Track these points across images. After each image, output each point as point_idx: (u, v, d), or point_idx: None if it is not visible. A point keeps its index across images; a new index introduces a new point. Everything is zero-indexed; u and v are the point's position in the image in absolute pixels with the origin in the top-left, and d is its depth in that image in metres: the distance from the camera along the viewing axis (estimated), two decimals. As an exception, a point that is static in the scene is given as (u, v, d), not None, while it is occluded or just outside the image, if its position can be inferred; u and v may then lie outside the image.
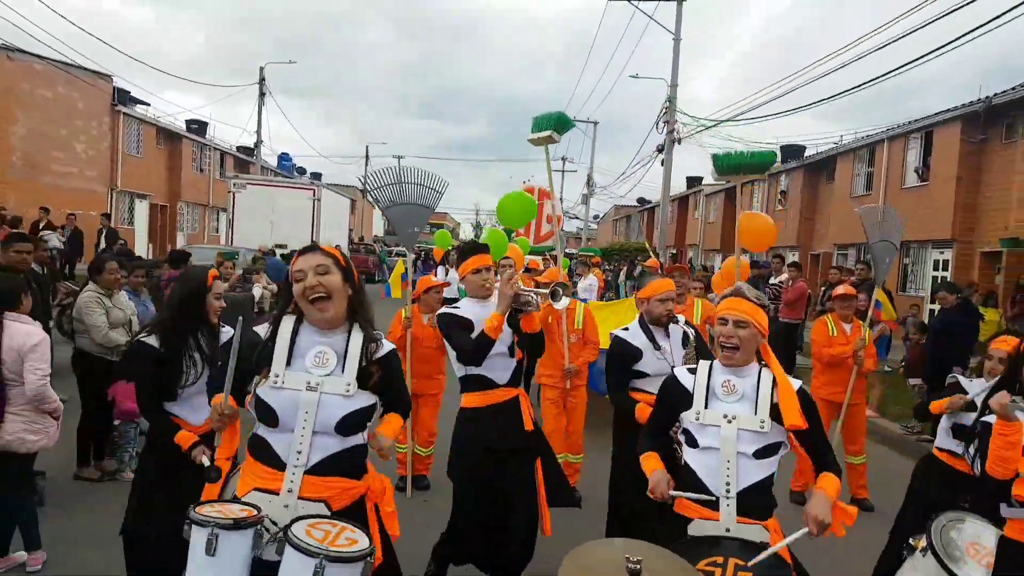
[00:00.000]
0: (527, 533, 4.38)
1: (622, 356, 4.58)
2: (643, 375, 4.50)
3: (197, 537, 2.38)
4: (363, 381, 2.71)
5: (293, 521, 2.47)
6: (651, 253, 16.91)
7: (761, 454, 2.86)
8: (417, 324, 6.28)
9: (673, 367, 4.30)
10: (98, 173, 29.26)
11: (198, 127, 39.21)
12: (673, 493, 2.88)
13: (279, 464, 2.63)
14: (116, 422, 6.44)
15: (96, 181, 29.08)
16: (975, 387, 4.39)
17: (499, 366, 4.32)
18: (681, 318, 4.75)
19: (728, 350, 2.95)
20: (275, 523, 2.51)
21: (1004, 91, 18.06)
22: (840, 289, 7.08)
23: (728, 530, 2.79)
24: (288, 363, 2.68)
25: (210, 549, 2.33)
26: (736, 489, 2.81)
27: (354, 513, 2.70)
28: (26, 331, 4.50)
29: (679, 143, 26.45)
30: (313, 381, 2.64)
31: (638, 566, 2.22)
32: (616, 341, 4.61)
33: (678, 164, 26.70)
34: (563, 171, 45.42)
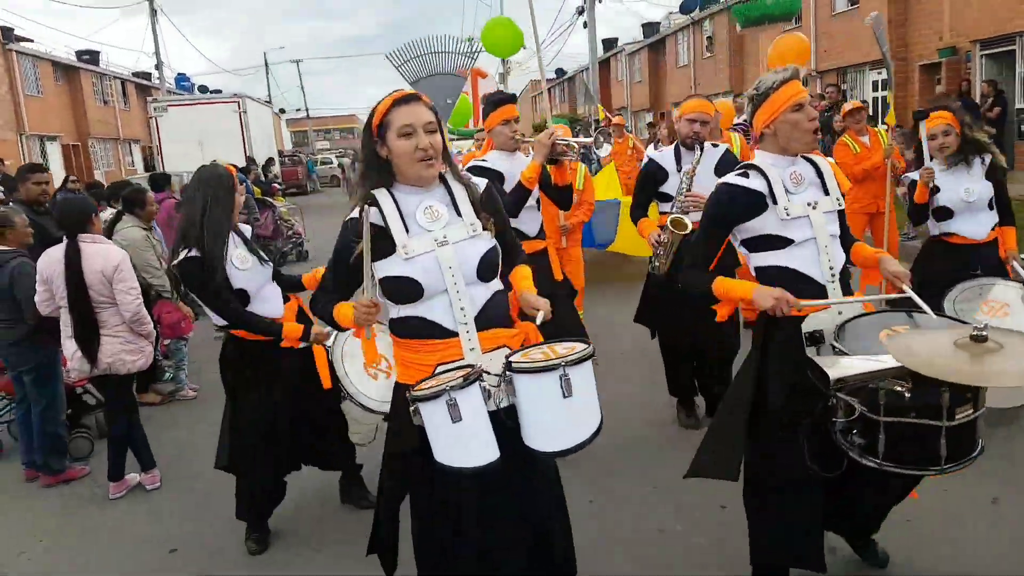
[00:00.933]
0: None
1: (647, 175, 4.69)
2: (669, 198, 4.54)
3: (435, 412, 2.27)
4: (481, 219, 2.57)
5: (508, 360, 2.35)
6: (605, 114, 16.67)
7: (838, 233, 2.88)
8: None
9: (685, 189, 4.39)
10: (3, 120, 27.41)
11: (90, 57, 36.77)
12: (804, 303, 2.68)
13: (445, 332, 2.48)
14: (166, 341, 6.38)
15: (3, 128, 27.26)
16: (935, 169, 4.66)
17: (528, 218, 4.36)
18: (724, 146, 4.66)
19: (813, 133, 2.82)
20: (488, 372, 2.39)
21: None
22: (848, 106, 7.37)
23: (840, 312, 2.75)
24: (406, 231, 2.49)
25: (455, 415, 2.23)
26: (837, 271, 2.80)
27: None
28: (104, 252, 4.41)
29: (600, 0, 25.81)
30: (438, 236, 2.48)
31: (984, 332, 2.19)
32: (648, 160, 4.74)
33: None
34: (472, 52, 44.23)
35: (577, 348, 2.33)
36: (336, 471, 4.28)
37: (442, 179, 2.57)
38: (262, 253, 3.85)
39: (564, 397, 2.21)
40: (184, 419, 6.02)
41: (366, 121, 2.52)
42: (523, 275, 2.73)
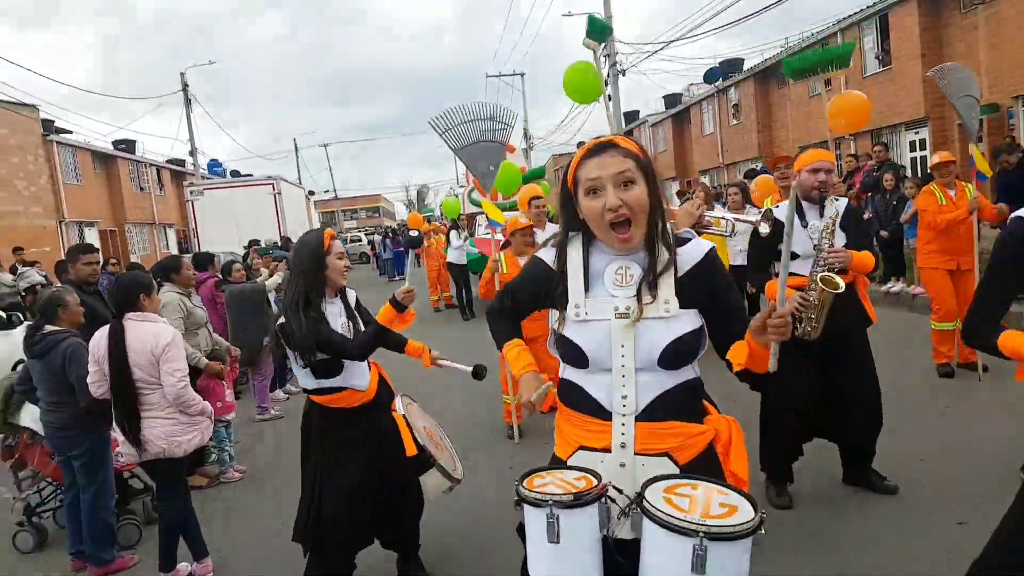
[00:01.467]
0: None
1: (765, 233, 4.34)
2: (792, 256, 4.23)
3: (534, 520, 1.94)
4: (683, 297, 2.10)
5: (645, 486, 1.93)
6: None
7: None
8: (513, 267, 6.00)
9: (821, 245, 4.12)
10: (43, 208, 28.14)
11: (126, 146, 37.89)
12: None
13: (602, 412, 2.11)
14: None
15: (43, 216, 27.95)
16: None
17: None
18: (845, 199, 4.40)
19: None
20: (619, 489, 2.00)
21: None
22: (936, 158, 7.17)
23: None
24: (587, 289, 2.14)
25: (552, 535, 1.87)
26: None
27: (704, 467, 2.09)
28: (154, 331, 4.20)
29: (623, 75, 26.19)
30: (622, 306, 2.08)
31: None
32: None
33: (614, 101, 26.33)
34: (510, 123, 45.07)
35: (738, 513, 1.80)
36: (394, 552, 4.07)
37: (649, 240, 2.11)
38: (360, 322, 3.76)
39: (693, 571, 1.74)
40: (233, 502, 5.81)
41: (562, 178, 2.22)
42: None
